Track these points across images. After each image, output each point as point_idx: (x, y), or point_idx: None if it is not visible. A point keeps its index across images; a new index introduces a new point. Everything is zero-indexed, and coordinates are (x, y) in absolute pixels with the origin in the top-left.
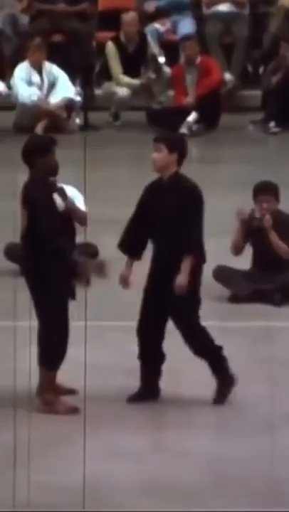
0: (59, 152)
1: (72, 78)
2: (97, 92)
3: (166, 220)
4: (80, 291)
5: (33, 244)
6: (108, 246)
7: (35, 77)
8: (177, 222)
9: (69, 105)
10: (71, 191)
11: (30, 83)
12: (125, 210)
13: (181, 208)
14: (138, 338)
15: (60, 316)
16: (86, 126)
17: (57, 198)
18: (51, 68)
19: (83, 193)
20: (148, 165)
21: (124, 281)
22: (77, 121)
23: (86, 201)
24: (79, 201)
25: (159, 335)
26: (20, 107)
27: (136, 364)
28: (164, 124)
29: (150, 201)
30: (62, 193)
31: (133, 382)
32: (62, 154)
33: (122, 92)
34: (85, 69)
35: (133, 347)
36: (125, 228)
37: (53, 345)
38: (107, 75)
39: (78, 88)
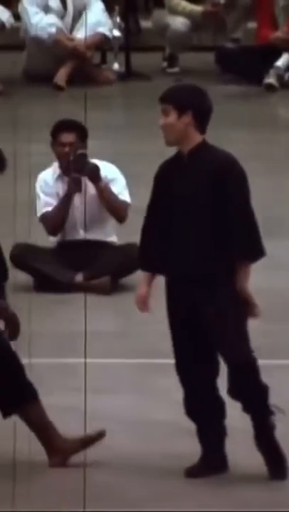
0: (90, 113)
1: (109, 5)
2: (145, 25)
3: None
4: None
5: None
6: None
7: (55, 2)
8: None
9: (103, 43)
10: (108, 169)
11: (47, 9)
12: None
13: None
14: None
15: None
16: (129, 75)
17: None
18: None
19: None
20: (227, 131)
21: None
22: (116, 66)
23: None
24: (118, 185)
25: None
26: (32, 45)
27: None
28: (242, 71)
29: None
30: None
31: (193, 447)
32: (94, 116)
33: (180, 24)
34: None
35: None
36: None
37: None
38: (158, 0)
39: (117, 19)
